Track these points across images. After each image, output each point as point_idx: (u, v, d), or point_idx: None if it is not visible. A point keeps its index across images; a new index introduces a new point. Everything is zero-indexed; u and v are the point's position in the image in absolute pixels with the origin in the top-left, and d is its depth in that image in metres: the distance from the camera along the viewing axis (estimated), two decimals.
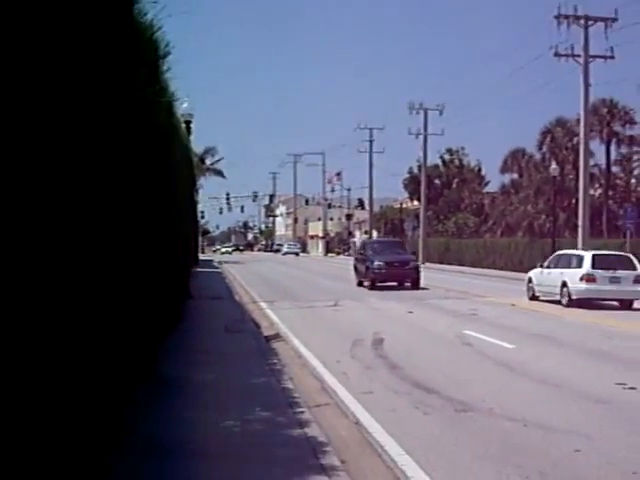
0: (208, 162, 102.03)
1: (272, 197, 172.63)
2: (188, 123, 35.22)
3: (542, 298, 34.11)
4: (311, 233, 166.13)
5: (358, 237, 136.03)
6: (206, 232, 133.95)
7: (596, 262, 31.59)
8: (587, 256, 32.36)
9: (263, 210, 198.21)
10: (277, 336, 20.77)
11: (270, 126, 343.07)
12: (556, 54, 52.44)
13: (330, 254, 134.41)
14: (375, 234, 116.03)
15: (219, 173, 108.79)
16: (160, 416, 10.66)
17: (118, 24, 8.37)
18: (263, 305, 30.46)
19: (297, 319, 25.82)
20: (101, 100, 7.46)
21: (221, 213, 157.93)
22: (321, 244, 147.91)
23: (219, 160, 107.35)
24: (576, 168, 66.99)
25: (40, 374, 5.75)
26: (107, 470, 7.70)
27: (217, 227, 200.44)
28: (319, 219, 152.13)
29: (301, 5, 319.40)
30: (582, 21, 51.83)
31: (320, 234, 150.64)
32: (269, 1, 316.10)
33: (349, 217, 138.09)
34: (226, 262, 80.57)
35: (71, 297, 6.58)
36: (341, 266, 78.35)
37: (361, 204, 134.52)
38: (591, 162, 66.21)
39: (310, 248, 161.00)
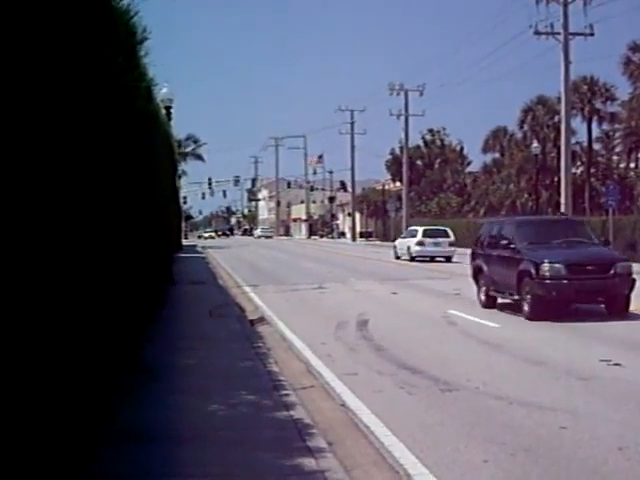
0: (189, 149, 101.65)
1: (254, 181, 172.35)
2: (168, 108, 35.11)
3: (402, 258, 53.71)
4: (294, 216, 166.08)
5: (341, 219, 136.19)
6: (189, 217, 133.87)
7: (425, 233, 52.70)
8: (420, 230, 53.71)
9: (245, 194, 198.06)
10: (262, 320, 20.74)
11: (251, 110, 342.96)
12: (536, 32, 52.43)
13: (313, 237, 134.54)
14: (358, 216, 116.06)
15: (199, 157, 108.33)
16: (144, 403, 10.62)
17: (94, 9, 8.30)
18: (247, 289, 30.40)
19: (281, 302, 25.80)
20: (79, 86, 7.40)
21: (204, 198, 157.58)
22: (304, 227, 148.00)
23: (201, 145, 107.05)
24: (558, 146, 67.26)
25: (26, 363, 5.71)
26: (92, 457, 7.67)
27: (200, 212, 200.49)
28: (302, 202, 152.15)
29: None
30: None
31: (303, 217, 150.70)
32: None
33: (332, 199, 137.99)
34: (210, 247, 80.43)
35: (54, 285, 6.54)
36: (325, 249, 78.45)
37: (343, 186, 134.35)
38: (572, 140, 66.24)
39: (293, 231, 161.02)
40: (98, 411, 8.78)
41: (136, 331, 13.94)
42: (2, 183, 5.31)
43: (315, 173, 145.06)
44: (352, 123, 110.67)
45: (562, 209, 51.92)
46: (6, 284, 5.35)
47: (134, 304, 13.37)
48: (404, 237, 56.05)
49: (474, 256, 25.77)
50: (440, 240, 52.17)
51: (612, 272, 21.17)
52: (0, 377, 5.26)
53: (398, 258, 54.10)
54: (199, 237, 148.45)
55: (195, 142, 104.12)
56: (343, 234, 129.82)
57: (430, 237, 52.15)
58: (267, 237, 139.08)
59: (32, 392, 5.90)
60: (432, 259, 51.48)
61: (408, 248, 52.87)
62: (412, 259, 51.80)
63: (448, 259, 50.98)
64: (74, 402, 7.33)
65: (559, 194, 56.54)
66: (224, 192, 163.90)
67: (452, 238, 53.03)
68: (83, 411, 7.81)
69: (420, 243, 51.92)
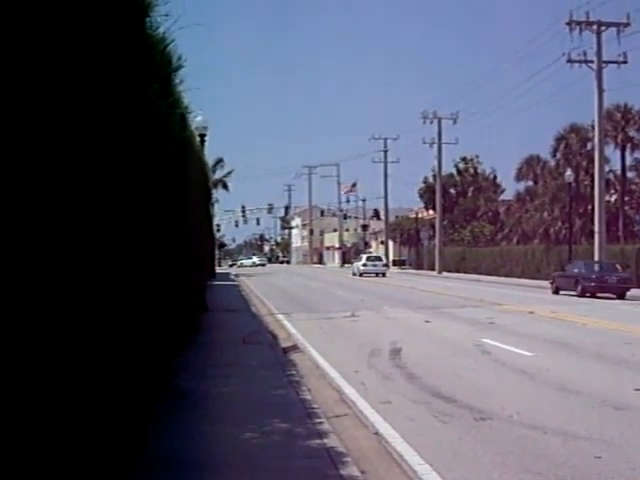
0: (218, 174, 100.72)
1: (287, 209, 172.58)
2: (202, 136, 35.16)
3: (356, 275, 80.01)
4: (327, 244, 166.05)
5: (374, 247, 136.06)
6: (222, 245, 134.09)
7: (368, 259, 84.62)
8: (364, 256, 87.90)
9: (279, 222, 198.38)
10: (295, 347, 20.72)
11: (284, 138, 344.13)
12: (569, 60, 52.47)
13: (347, 265, 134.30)
14: (391, 244, 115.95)
15: (224, 186, 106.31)
16: (178, 430, 10.63)
17: (130, 38, 8.38)
18: (280, 317, 30.41)
19: (314, 330, 25.76)
20: (115, 113, 7.47)
21: (237, 226, 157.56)
22: (337, 255, 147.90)
23: (230, 172, 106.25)
24: (591, 174, 66.95)
25: (60, 390, 5.74)
26: None
27: (233, 240, 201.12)
28: (335, 230, 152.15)
29: (314, 17, 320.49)
30: (594, 27, 51.83)
31: (336, 245, 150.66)
32: (282, 13, 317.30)
33: (365, 228, 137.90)
34: (243, 275, 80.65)
35: (91, 313, 6.58)
36: (357, 277, 78.28)
37: (377, 214, 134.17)
38: (606, 168, 66.00)
39: (326, 259, 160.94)
40: (131, 438, 8.79)
41: (170, 358, 13.96)
42: (47, 211, 5.36)
43: (348, 201, 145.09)
44: (385, 151, 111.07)
45: (596, 237, 51.78)
46: (46, 312, 5.40)
47: (167, 331, 13.40)
48: (357, 261, 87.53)
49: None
50: (377, 263, 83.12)
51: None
52: (36, 401, 5.28)
53: (354, 275, 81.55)
54: (230, 265, 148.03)
55: (222, 167, 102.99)
56: None
57: (371, 261, 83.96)
58: (262, 265, 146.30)
59: (67, 418, 5.92)
60: (377, 275, 78.43)
61: (358, 268, 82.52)
62: (360, 275, 79.51)
63: (383, 274, 79.51)
64: (107, 429, 7.35)
65: (593, 222, 56.24)
66: (257, 220, 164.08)
67: (384, 261, 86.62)
68: (116, 438, 7.83)
69: (364, 265, 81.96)
